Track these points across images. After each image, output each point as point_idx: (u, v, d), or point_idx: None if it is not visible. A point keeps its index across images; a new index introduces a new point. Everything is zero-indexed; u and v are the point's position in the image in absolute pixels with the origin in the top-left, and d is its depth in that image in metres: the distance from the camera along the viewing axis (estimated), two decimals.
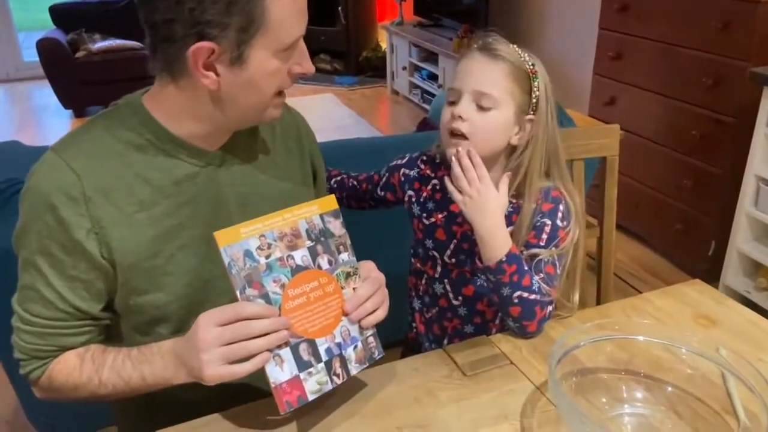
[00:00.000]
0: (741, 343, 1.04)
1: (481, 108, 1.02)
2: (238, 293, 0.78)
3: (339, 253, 0.90)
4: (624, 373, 0.94)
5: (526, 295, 1.00)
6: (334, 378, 0.85)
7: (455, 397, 0.93)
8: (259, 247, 0.81)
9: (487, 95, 1.01)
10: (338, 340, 0.86)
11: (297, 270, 0.84)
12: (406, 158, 1.21)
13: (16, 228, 0.89)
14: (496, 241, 1.00)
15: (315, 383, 0.83)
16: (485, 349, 1.03)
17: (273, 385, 0.79)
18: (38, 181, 0.86)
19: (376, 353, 0.92)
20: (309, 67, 0.90)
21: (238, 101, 0.87)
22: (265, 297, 0.80)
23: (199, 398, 0.92)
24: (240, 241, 0.79)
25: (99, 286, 0.89)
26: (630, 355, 0.94)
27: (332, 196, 0.92)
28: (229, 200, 0.95)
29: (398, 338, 1.33)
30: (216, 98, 0.87)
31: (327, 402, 0.90)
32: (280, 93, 0.90)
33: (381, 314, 0.91)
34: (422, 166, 1.18)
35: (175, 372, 0.84)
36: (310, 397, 0.82)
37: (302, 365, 0.82)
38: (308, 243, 0.86)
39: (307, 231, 0.86)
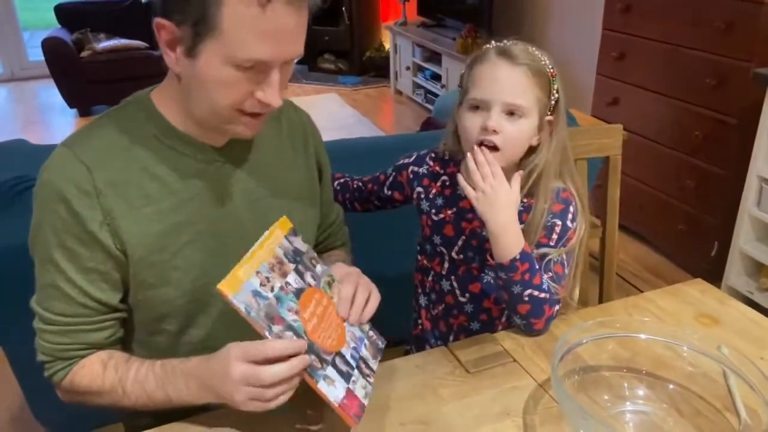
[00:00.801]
0: (742, 341, 1.04)
1: (511, 118, 1.02)
2: (267, 334, 0.77)
3: (314, 266, 0.91)
4: (626, 371, 0.95)
5: (536, 293, 1.01)
6: (368, 378, 0.87)
7: (458, 394, 0.93)
8: (261, 284, 0.80)
9: (518, 105, 1.01)
10: (352, 344, 0.88)
11: (298, 293, 0.85)
12: (414, 156, 1.22)
13: (30, 229, 0.90)
14: (508, 238, 1.00)
15: (361, 389, 0.84)
16: (488, 347, 1.04)
17: (337, 405, 0.79)
18: (50, 176, 0.87)
19: (381, 343, 0.94)
20: (271, 99, 0.84)
21: (195, 97, 0.86)
22: (290, 328, 0.80)
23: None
24: (244, 284, 0.78)
25: (116, 276, 0.90)
26: (632, 353, 0.95)
27: (285, 218, 0.91)
28: (235, 196, 0.96)
29: (403, 336, 1.34)
30: (185, 86, 0.87)
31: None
32: (244, 112, 0.86)
33: (372, 306, 0.92)
34: (431, 163, 1.19)
35: (201, 395, 0.85)
36: (366, 402, 0.83)
37: (345, 377, 0.83)
38: (292, 266, 0.87)
39: (285, 255, 0.87)
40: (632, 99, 2.74)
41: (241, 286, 0.78)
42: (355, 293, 0.91)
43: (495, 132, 1.01)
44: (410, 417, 0.89)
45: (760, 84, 2.12)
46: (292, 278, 0.85)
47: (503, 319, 1.16)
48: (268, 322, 0.78)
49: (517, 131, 1.02)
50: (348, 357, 0.85)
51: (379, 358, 0.92)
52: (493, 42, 1.06)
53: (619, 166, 1.42)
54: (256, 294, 0.79)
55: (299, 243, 0.91)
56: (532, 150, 1.07)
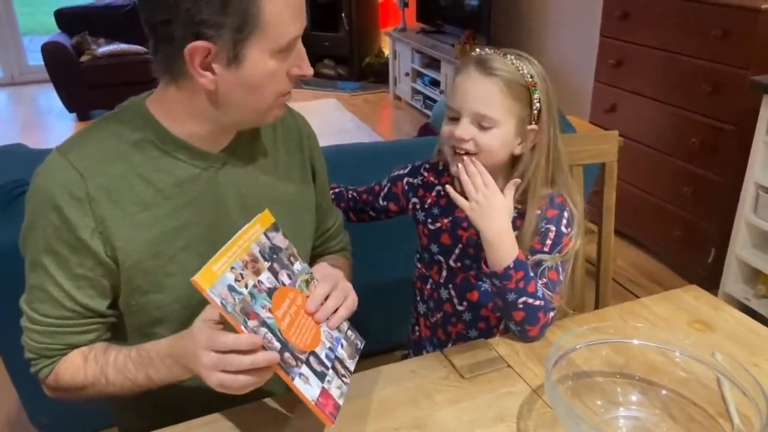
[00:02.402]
0: (736, 348, 1.05)
1: (481, 127, 1.03)
2: (243, 329, 0.77)
3: (292, 264, 0.90)
4: (619, 377, 0.95)
5: (530, 301, 1.01)
6: (344, 378, 0.86)
7: (453, 399, 0.94)
8: (235, 279, 0.80)
9: (486, 116, 1.02)
10: (328, 344, 0.87)
11: (270, 292, 0.84)
12: (409, 168, 1.23)
13: (22, 229, 0.90)
14: (503, 246, 1.00)
15: (336, 389, 0.84)
16: (483, 352, 1.04)
17: (312, 403, 0.79)
18: (43, 181, 0.87)
19: (359, 343, 0.94)
20: (308, 69, 0.90)
21: (236, 102, 0.88)
22: (264, 324, 0.80)
23: (198, 399, 0.93)
24: (219, 278, 0.78)
25: (105, 283, 0.90)
26: (625, 359, 0.95)
27: (266, 211, 0.90)
28: (230, 202, 0.97)
29: (400, 341, 1.34)
30: (214, 99, 0.87)
31: None
32: (282, 95, 0.90)
33: (343, 312, 0.90)
34: (425, 174, 1.19)
35: (180, 372, 0.86)
36: (340, 402, 0.83)
37: (320, 376, 0.83)
38: (266, 264, 0.86)
39: (260, 252, 0.86)
40: (630, 106, 2.75)
41: (217, 280, 0.78)
42: (329, 294, 0.90)
43: (464, 140, 1.02)
44: (405, 421, 0.89)
45: (757, 91, 2.13)
46: (265, 277, 0.84)
47: (501, 327, 1.17)
48: (244, 317, 0.78)
49: (489, 140, 1.03)
50: (323, 357, 0.85)
51: (356, 358, 0.91)
52: (476, 50, 1.07)
53: (615, 172, 1.43)
54: (231, 289, 0.79)
55: (279, 239, 0.90)
56: (517, 159, 1.08)
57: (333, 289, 0.91)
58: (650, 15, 2.58)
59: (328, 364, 0.85)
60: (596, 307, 1.50)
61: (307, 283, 0.91)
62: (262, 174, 1.01)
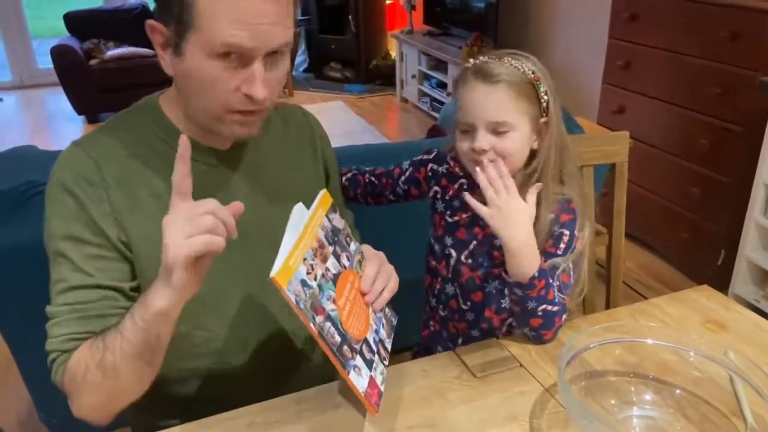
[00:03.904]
0: (749, 347, 1.04)
1: (498, 134, 1.02)
2: (311, 326, 0.76)
3: (348, 245, 0.90)
4: (632, 376, 0.95)
5: (549, 308, 1.00)
6: (384, 361, 0.87)
7: (465, 398, 0.94)
8: (307, 272, 0.78)
9: (502, 122, 1.01)
10: (374, 327, 0.88)
11: (335, 279, 0.83)
12: (435, 152, 1.21)
13: (44, 229, 0.91)
14: (527, 256, 0.98)
15: (380, 375, 0.85)
16: (495, 352, 1.04)
17: (363, 395, 0.80)
18: (59, 170, 0.89)
19: (394, 320, 0.95)
20: (255, 91, 0.83)
21: (189, 98, 0.89)
22: (329, 318, 0.80)
23: (209, 397, 0.94)
24: (294, 273, 0.76)
25: (124, 266, 0.90)
26: (638, 358, 0.95)
27: (326, 193, 0.90)
28: (239, 199, 0.97)
29: (410, 341, 1.34)
30: (179, 88, 0.90)
31: (337, 401, 0.92)
32: (234, 109, 0.86)
33: (388, 294, 0.92)
34: (451, 163, 1.18)
35: (174, 282, 0.76)
36: (383, 388, 0.84)
37: (369, 364, 0.84)
38: (330, 248, 0.85)
39: (326, 237, 0.86)
40: (638, 107, 2.75)
41: (292, 275, 0.76)
42: (377, 275, 0.91)
43: (484, 151, 1.02)
44: (417, 420, 0.90)
45: (766, 92, 2.12)
46: (331, 263, 0.84)
47: (504, 330, 1.16)
48: (312, 312, 0.77)
49: (509, 144, 1.03)
50: (371, 342, 0.86)
51: (392, 335, 0.92)
52: (471, 60, 1.06)
53: (626, 173, 1.43)
54: (303, 284, 0.77)
55: (337, 220, 0.90)
56: (533, 154, 1.08)
57: (380, 269, 0.92)
58: (658, 16, 2.58)
59: (375, 349, 0.86)
60: (607, 308, 1.50)
61: (360, 263, 0.91)
62: (272, 170, 1.01)
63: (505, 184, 0.98)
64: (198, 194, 0.93)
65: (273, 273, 0.73)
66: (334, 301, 0.82)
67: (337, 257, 0.87)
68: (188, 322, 0.96)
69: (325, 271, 0.83)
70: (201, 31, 0.80)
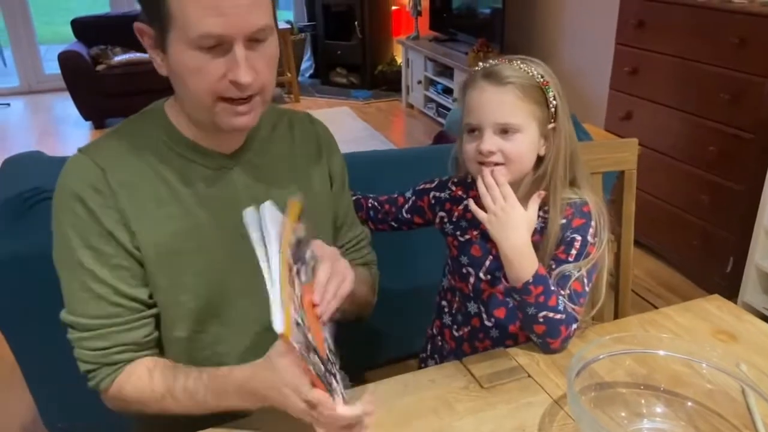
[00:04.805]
0: (761, 358, 1.03)
1: (505, 136, 1.02)
2: (309, 367, 0.76)
3: (305, 255, 0.84)
4: (643, 388, 0.93)
5: (551, 315, 0.99)
6: (339, 371, 0.83)
7: (473, 409, 0.93)
8: (294, 310, 0.75)
9: (509, 124, 1.01)
10: (325, 335, 0.83)
11: (302, 302, 0.79)
12: (436, 182, 1.22)
13: (53, 242, 0.91)
14: (521, 260, 0.98)
15: (343, 386, 0.81)
16: (502, 362, 1.03)
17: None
18: (65, 179, 0.89)
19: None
20: (240, 76, 0.83)
21: (181, 94, 0.90)
22: (313, 350, 0.77)
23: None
24: (292, 319, 0.74)
25: (139, 271, 0.91)
26: (649, 370, 0.94)
27: (294, 202, 0.85)
28: (243, 202, 0.96)
29: (417, 349, 1.33)
30: (176, 91, 0.91)
31: None
32: (223, 98, 0.86)
33: (338, 300, 0.85)
34: (453, 188, 1.19)
35: (255, 403, 0.86)
36: (346, 395, 0.81)
37: (338, 380, 0.81)
38: (296, 267, 0.80)
39: (293, 257, 0.80)
40: (646, 113, 2.73)
41: (291, 322, 0.73)
42: (328, 280, 0.84)
43: (491, 153, 1.01)
44: (424, 431, 0.88)
45: None
46: (297, 287, 0.79)
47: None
48: (307, 352, 0.75)
49: (515, 147, 1.02)
50: (330, 355, 0.81)
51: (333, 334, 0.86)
52: (480, 64, 1.06)
53: (635, 180, 1.41)
54: (296, 324, 0.75)
55: (300, 229, 0.84)
56: (540, 159, 1.07)
57: (332, 271, 0.85)
58: (666, 23, 2.57)
59: (333, 359, 0.82)
60: (615, 317, 1.48)
61: (314, 269, 0.84)
62: (276, 174, 1.01)
63: (502, 192, 0.99)
64: (202, 197, 0.93)
65: (280, 329, 0.71)
66: (309, 329, 0.78)
67: (299, 275, 0.81)
68: (196, 323, 0.96)
69: (297, 298, 0.77)
70: (177, 25, 0.81)
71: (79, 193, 0.87)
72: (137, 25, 0.86)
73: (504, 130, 1.02)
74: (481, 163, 1.03)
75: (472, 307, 1.16)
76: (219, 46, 0.82)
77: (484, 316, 1.15)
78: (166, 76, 0.89)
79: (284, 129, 1.06)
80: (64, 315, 0.92)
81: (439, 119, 4.65)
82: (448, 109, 4.49)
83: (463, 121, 1.06)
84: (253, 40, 0.84)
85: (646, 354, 0.94)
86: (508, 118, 1.01)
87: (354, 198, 1.28)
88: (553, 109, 1.04)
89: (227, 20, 0.80)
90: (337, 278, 0.85)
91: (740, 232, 2.37)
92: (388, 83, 5.66)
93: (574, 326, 1.03)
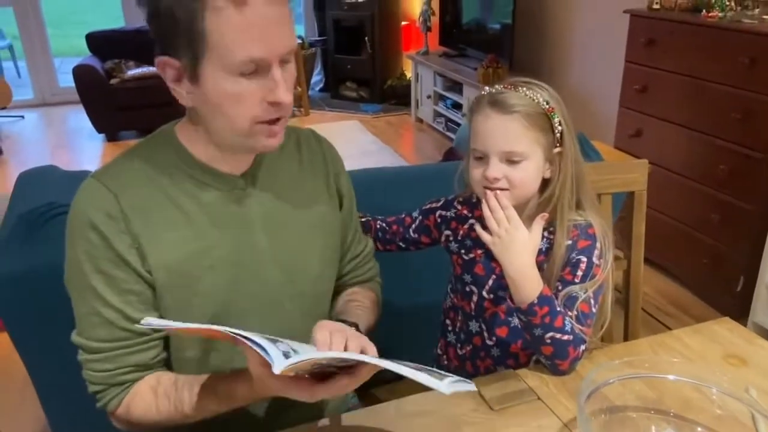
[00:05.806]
0: None
1: (511, 163, 1.03)
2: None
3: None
4: (653, 412, 0.93)
5: (558, 336, 1.00)
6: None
7: (482, 431, 0.93)
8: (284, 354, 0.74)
9: (514, 152, 1.03)
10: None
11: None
12: (442, 201, 1.23)
13: (66, 265, 0.92)
14: (525, 282, 0.99)
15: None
16: (512, 384, 1.03)
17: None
18: (79, 206, 0.90)
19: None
20: (281, 96, 0.85)
21: (211, 122, 0.89)
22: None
23: (220, 424, 0.94)
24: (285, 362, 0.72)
25: (149, 295, 0.92)
26: (659, 394, 0.94)
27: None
28: (254, 223, 0.98)
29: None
30: (198, 118, 0.91)
31: None
32: (261, 121, 0.87)
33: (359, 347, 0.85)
34: (459, 207, 1.20)
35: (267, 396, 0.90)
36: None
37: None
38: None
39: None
40: (655, 131, 2.73)
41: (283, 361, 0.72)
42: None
43: (497, 179, 1.03)
44: None
45: None
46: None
47: (531, 366, 1.15)
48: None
49: (520, 174, 1.04)
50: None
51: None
52: (486, 89, 1.08)
53: (645, 201, 1.41)
54: (284, 355, 0.73)
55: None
56: (546, 182, 1.08)
57: (330, 330, 0.85)
58: (676, 42, 2.57)
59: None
60: (625, 336, 1.48)
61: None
62: (286, 194, 1.02)
63: (507, 214, 1.01)
64: (214, 218, 0.94)
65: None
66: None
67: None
68: (204, 343, 0.97)
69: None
70: (216, 54, 0.81)
71: (92, 220, 0.88)
72: (160, 59, 0.86)
73: (509, 158, 1.03)
74: (487, 188, 1.04)
75: (474, 326, 1.17)
76: (257, 69, 0.84)
77: (486, 334, 1.16)
78: (187, 106, 0.90)
79: (292, 148, 1.07)
80: (75, 336, 0.93)
81: (448, 134, 4.67)
82: (457, 124, 4.51)
83: (470, 146, 1.08)
84: (284, 61, 0.86)
85: (656, 378, 0.94)
86: (514, 146, 1.02)
87: (363, 220, 1.29)
88: (558, 134, 1.05)
89: (267, 43, 0.82)
90: (340, 333, 0.84)
91: (751, 252, 2.36)
92: (398, 97, 5.69)
93: (583, 347, 1.03)
